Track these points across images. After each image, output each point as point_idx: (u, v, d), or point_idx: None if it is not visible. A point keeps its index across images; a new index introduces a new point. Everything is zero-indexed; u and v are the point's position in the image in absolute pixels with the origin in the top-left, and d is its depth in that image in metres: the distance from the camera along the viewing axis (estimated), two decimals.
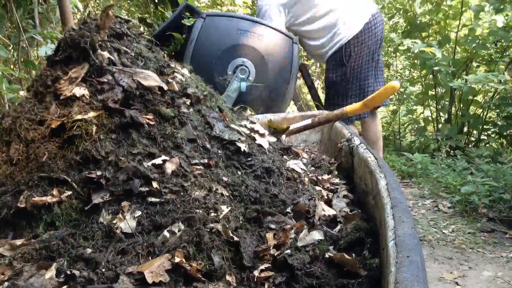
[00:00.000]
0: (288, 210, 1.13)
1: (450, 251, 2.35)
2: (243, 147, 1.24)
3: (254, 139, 1.36)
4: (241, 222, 1.02)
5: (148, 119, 1.10)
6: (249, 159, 1.24)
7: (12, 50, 2.85)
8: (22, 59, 2.67)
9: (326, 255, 0.99)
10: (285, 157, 1.46)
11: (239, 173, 1.20)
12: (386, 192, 1.03)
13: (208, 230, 0.93)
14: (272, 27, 2.78)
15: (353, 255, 0.97)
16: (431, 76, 4.70)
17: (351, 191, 1.44)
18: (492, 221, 2.67)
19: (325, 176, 1.48)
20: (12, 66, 2.86)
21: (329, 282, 0.93)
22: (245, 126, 1.40)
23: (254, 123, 1.48)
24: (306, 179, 1.34)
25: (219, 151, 1.22)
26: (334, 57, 2.96)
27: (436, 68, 4.24)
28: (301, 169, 1.38)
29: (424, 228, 2.66)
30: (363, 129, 3.22)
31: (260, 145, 1.34)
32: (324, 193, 1.31)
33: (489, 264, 2.19)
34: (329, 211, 1.18)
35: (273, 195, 1.16)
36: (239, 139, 1.27)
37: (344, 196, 1.36)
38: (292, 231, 1.02)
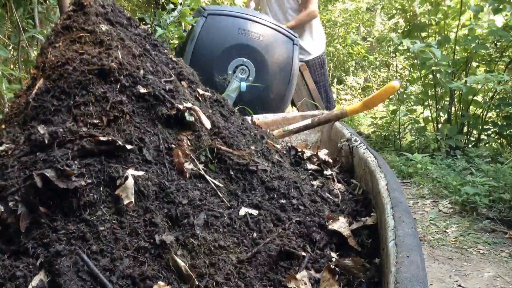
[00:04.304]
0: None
1: (450, 251, 2.35)
2: None
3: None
4: None
5: None
6: None
7: (12, 50, 2.84)
8: (22, 59, 2.67)
9: (333, 259, 0.99)
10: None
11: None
12: (386, 192, 1.03)
13: None
14: (273, 27, 2.79)
15: (361, 260, 0.97)
16: (431, 76, 4.70)
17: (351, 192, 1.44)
18: (492, 221, 2.67)
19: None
20: (12, 66, 2.85)
21: None
22: None
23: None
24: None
25: None
26: (315, 62, 3.86)
27: (435, 68, 4.23)
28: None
29: (424, 228, 2.66)
30: None
31: None
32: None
33: (489, 264, 2.19)
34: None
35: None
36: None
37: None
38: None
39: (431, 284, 1.96)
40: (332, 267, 0.92)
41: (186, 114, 1.18)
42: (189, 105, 1.22)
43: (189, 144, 1.15)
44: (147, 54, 1.32)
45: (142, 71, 1.22)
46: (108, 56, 1.17)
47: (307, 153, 1.65)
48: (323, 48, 3.95)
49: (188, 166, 1.08)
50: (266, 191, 1.19)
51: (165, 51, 1.42)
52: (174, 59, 1.43)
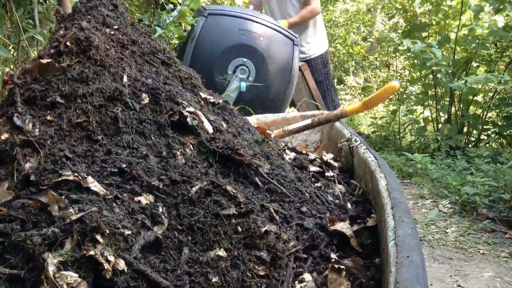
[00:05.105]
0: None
1: (450, 251, 2.35)
2: None
3: None
4: None
5: None
6: None
7: (12, 50, 2.84)
8: (22, 59, 2.67)
9: (332, 259, 0.99)
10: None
11: None
12: (386, 192, 1.03)
13: None
14: (273, 27, 2.79)
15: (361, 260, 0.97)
16: (431, 76, 4.70)
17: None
18: (492, 221, 2.67)
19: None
20: (12, 66, 2.85)
21: None
22: None
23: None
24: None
25: None
26: (318, 61, 3.69)
27: (435, 68, 4.24)
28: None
29: (424, 228, 2.66)
30: None
31: None
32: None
33: (489, 264, 2.19)
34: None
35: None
36: None
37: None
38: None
39: (431, 284, 1.96)
40: (336, 266, 0.92)
41: (189, 118, 1.19)
42: (191, 109, 1.23)
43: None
44: (150, 60, 1.32)
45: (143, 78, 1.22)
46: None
47: (311, 156, 1.65)
48: (326, 47, 3.79)
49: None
50: (268, 193, 1.20)
51: (168, 54, 1.42)
52: (176, 61, 1.43)
